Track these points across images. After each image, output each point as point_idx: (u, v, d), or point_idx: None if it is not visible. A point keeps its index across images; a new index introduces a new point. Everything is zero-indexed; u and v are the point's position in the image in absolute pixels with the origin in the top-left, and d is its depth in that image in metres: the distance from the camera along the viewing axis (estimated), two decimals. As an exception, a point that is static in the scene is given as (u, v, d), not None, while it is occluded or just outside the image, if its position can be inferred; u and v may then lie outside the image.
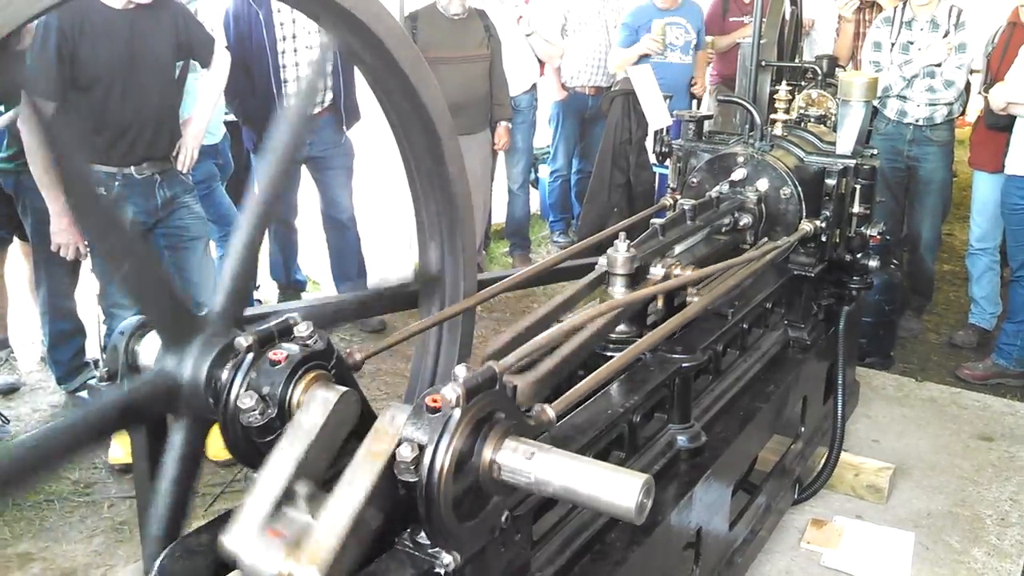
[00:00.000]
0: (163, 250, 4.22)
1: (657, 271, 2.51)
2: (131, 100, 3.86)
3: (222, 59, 4.31)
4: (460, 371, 1.48)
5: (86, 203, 1.55)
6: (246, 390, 1.58)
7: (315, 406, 1.52)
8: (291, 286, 5.94)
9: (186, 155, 4.16)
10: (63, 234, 3.95)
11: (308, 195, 5.64)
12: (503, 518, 1.64)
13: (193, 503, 1.69)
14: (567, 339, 1.93)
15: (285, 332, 1.67)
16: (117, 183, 3.95)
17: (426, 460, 1.41)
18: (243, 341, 1.60)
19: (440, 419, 1.43)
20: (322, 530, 1.33)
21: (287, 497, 1.39)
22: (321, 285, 6.27)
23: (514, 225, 7.17)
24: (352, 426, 1.57)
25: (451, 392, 1.42)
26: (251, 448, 1.62)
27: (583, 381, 1.89)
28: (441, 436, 1.42)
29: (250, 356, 1.60)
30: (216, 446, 1.69)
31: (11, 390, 4.75)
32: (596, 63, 6.87)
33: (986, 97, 5.29)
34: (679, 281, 2.47)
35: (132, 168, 3.97)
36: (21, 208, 4.29)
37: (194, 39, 4.12)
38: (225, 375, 1.60)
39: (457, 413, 1.43)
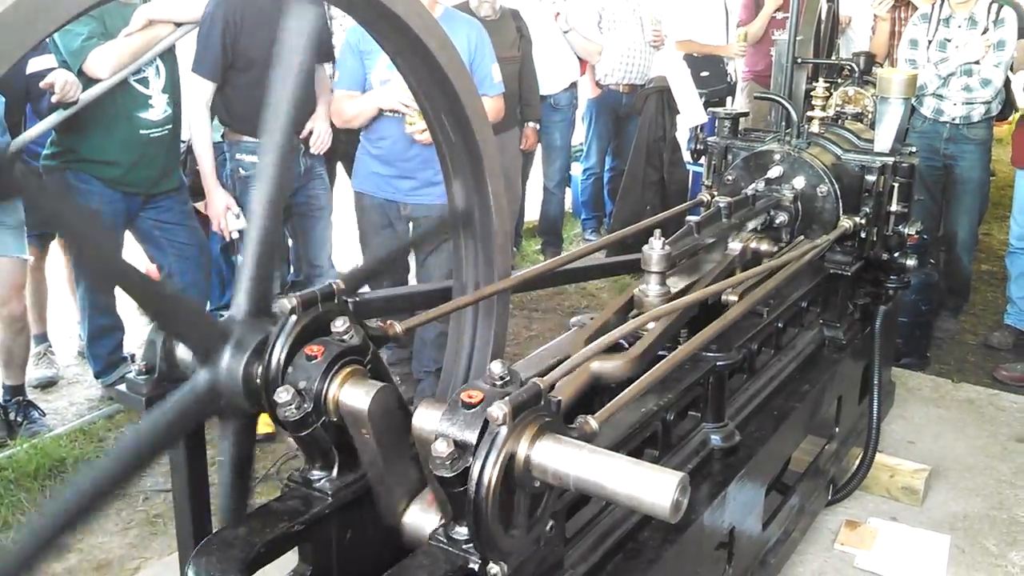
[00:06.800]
0: (293, 217, 4.61)
1: (735, 245, 2.61)
2: None
3: None
4: (496, 367, 1.48)
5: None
6: (283, 384, 1.60)
7: None
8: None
9: (316, 137, 4.46)
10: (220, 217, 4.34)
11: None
12: (547, 527, 1.64)
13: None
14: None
15: (328, 296, 1.69)
16: None
17: (474, 474, 1.41)
18: (287, 303, 1.63)
19: (488, 436, 1.43)
20: None
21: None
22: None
23: (548, 223, 7.16)
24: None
25: (498, 410, 1.41)
26: None
27: (625, 391, 1.85)
28: (489, 452, 1.42)
29: (293, 319, 1.63)
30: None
31: (49, 383, 4.82)
32: (630, 61, 6.82)
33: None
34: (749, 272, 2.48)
35: None
36: None
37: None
38: (268, 340, 1.61)
39: (504, 431, 1.43)
